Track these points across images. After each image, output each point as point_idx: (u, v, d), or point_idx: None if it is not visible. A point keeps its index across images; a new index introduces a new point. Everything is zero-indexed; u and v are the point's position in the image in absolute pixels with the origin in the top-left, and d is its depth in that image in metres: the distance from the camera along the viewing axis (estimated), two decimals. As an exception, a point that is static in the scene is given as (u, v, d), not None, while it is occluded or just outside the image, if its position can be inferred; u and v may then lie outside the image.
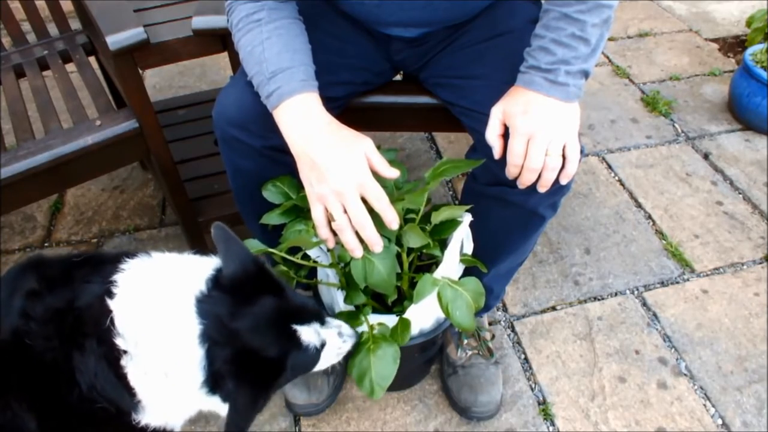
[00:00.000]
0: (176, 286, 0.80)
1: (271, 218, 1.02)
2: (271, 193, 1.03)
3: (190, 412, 0.90)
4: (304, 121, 0.91)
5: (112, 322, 0.76)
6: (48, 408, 0.79)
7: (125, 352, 0.76)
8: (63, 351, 0.77)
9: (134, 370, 0.78)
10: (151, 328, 0.78)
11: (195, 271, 0.83)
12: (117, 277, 0.80)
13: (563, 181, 0.93)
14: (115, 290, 0.78)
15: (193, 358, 0.77)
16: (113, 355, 0.77)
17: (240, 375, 0.78)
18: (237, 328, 0.78)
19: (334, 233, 0.91)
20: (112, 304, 0.77)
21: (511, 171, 0.93)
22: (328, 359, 0.93)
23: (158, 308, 0.79)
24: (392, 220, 0.87)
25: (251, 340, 0.79)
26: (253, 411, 0.80)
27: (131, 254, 0.85)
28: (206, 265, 0.85)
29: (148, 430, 0.85)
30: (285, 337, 0.84)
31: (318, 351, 0.88)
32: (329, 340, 0.90)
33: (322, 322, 0.90)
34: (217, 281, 0.82)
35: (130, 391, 0.79)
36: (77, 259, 0.85)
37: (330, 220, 0.90)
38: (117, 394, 0.79)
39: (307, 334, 0.85)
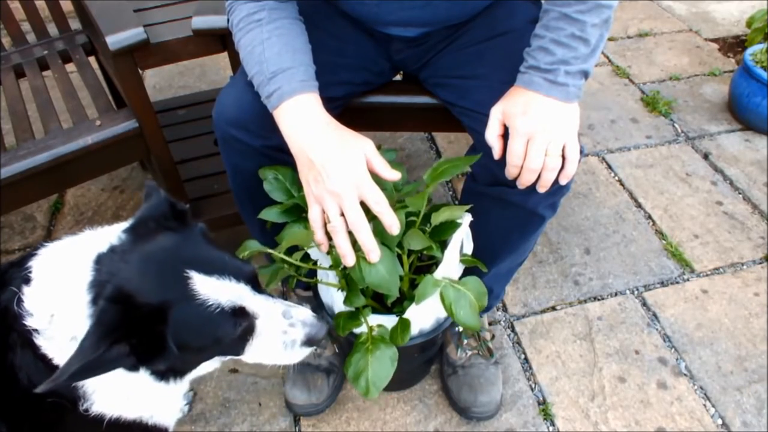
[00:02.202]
0: (84, 248, 0.76)
1: (270, 214, 1.01)
2: (271, 185, 1.01)
3: (134, 389, 0.80)
4: (303, 121, 0.90)
5: (19, 304, 0.73)
6: (12, 413, 0.77)
7: (36, 330, 0.72)
8: (1, 353, 0.75)
9: (49, 346, 0.73)
10: (54, 295, 0.73)
11: (112, 231, 0.79)
12: (31, 262, 0.77)
13: (563, 182, 0.93)
14: (30, 275, 0.76)
15: (83, 309, 0.70)
16: (29, 339, 0.73)
17: (99, 316, 0.67)
18: (119, 267, 0.71)
19: (330, 237, 0.90)
20: (25, 288, 0.74)
21: (510, 171, 0.93)
22: (267, 344, 0.78)
23: (62, 274, 0.75)
24: (391, 224, 0.86)
25: (129, 280, 0.70)
26: (89, 356, 0.65)
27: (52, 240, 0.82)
28: (115, 228, 0.81)
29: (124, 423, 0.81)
30: (169, 281, 0.71)
31: (228, 316, 0.72)
32: (264, 315, 0.76)
33: (256, 288, 0.76)
34: (126, 230, 0.76)
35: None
36: (14, 261, 0.83)
37: (326, 221, 0.89)
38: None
39: (206, 285, 0.71)
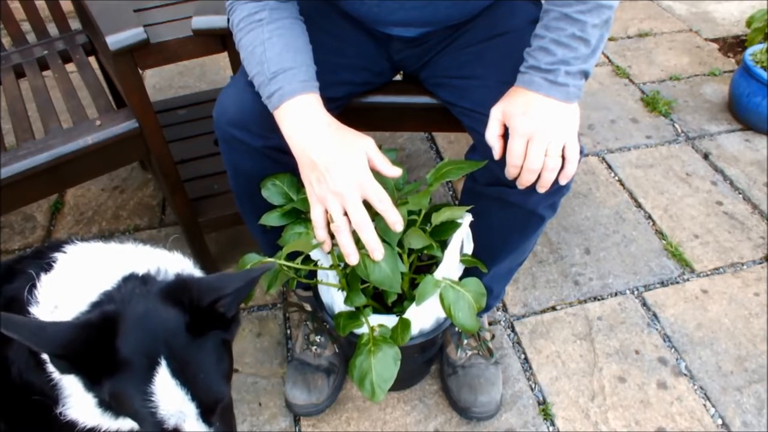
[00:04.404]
0: (123, 260, 0.75)
1: (271, 219, 1.01)
2: (269, 191, 1.02)
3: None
4: (305, 121, 0.90)
5: (31, 290, 0.72)
6: (6, 407, 0.77)
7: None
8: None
9: None
10: (66, 288, 0.73)
11: (160, 258, 0.78)
12: (56, 254, 0.77)
13: (562, 182, 0.93)
14: (53, 264, 0.76)
15: (83, 306, 0.71)
16: None
17: (80, 326, 0.66)
18: (134, 301, 0.70)
19: (333, 236, 0.91)
20: (43, 276, 0.73)
21: (510, 171, 0.93)
22: None
23: (87, 272, 0.74)
24: (395, 221, 0.87)
25: (128, 319, 0.69)
26: (35, 343, 0.64)
27: (80, 239, 0.81)
28: (172, 261, 0.81)
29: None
30: (145, 351, 0.68)
31: (157, 422, 0.68)
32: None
33: (207, 420, 0.71)
34: (175, 275, 0.76)
35: (42, 369, 0.72)
36: (24, 255, 0.83)
37: (329, 221, 0.90)
38: (37, 378, 0.73)
39: (163, 383, 0.68)
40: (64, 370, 0.69)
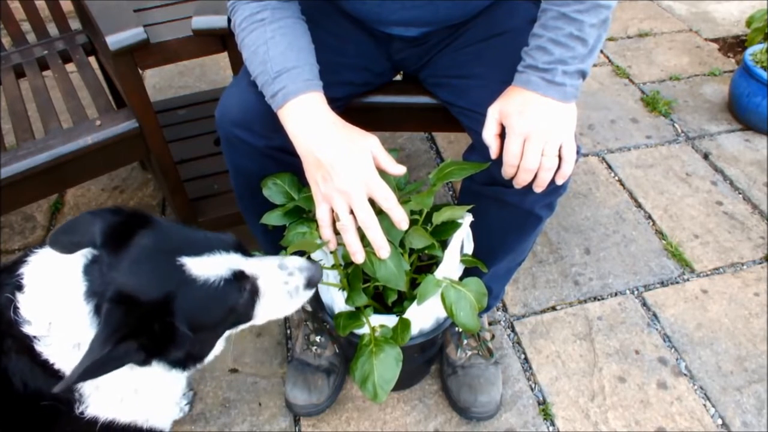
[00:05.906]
0: (72, 259, 0.78)
1: (272, 219, 1.01)
2: (271, 191, 1.02)
3: (129, 391, 0.84)
4: (309, 120, 0.90)
5: (16, 312, 0.75)
6: (6, 417, 0.78)
7: (35, 337, 0.74)
8: None
9: (51, 352, 0.75)
10: (51, 304, 0.75)
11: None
12: (23, 269, 0.79)
13: (559, 182, 0.93)
14: (23, 282, 0.78)
15: (84, 318, 0.73)
16: (27, 345, 0.75)
17: (105, 318, 0.70)
18: (113, 276, 0.73)
19: (338, 234, 0.91)
20: (19, 295, 0.76)
21: (507, 171, 0.92)
22: (274, 299, 0.82)
23: (55, 283, 0.76)
24: (401, 219, 0.87)
25: (127, 284, 0.72)
26: (97, 354, 0.67)
27: (39, 246, 0.83)
28: None
29: (116, 426, 0.83)
30: (165, 274, 0.74)
31: (232, 284, 0.76)
32: (263, 274, 0.80)
33: (245, 253, 0.80)
34: (100, 244, 0.78)
35: (58, 377, 0.75)
36: (4, 266, 0.84)
37: (335, 220, 0.90)
38: (48, 385, 0.75)
39: (201, 265, 0.75)
40: (141, 357, 0.73)
